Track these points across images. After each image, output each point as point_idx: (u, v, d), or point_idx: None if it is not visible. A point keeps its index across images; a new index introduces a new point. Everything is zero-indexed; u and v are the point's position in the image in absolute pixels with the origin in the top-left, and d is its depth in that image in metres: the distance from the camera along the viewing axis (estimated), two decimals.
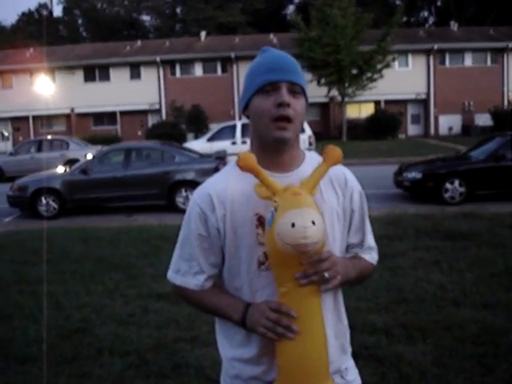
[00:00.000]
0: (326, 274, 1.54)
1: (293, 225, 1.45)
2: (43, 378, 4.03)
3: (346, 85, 32.63)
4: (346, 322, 1.87)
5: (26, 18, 63.71)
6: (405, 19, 38.34)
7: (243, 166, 1.60)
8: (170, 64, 37.64)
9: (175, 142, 18.41)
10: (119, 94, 36.61)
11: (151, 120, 37.41)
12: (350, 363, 1.89)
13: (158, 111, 37.45)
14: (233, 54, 36.66)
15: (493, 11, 50.88)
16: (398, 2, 54.29)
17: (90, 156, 16.35)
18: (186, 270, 1.77)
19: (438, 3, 60.62)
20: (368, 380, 3.44)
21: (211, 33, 45.88)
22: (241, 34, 45.17)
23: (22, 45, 40.38)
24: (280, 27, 47.01)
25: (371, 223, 1.94)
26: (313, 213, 1.49)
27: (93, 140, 27.95)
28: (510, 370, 3.91)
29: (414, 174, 12.53)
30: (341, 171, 1.82)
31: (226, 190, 1.72)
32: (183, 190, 12.77)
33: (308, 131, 20.05)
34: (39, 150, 22.19)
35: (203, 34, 41.80)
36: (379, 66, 32.31)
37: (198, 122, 34.09)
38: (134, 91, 36.78)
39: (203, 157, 13.94)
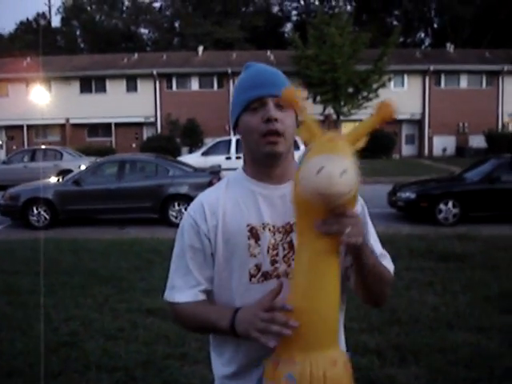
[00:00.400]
0: (347, 229, 1.40)
1: (318, 171, 1.32)
2: None
3: (342, 103, 32.77)
4: (343, 344, 1.81)
5: (24, 27, 63.75)
6: (401, 40, 38.62)
7: (285, 100, 1.50)
8: (166, 77, 37.71)
9: (169, 156, 18.39)
10: (115, 105, 36.58)
11: (146, 133, 37.39)
12: None
13: (154, 124, 37.44)
14: (229, 70, 36.73)
15: (488, 34, 51.36)
16: (395, 23, 54.81)
17: (83, 167, 16.29)
18: (182, 285, 1.72)
19: (435, 25, 61.15)
20: None
21: (209, 48, 46.03)
22: (238, 50, 45.34)
23: (19, 54, 40.31)
24: (277, 44, 47.30)
25: None
26: (345, 162, 1.34)
27: (87, 151, 27.86)
28: None
29: (408, 194, 12.53)
30: None
31: (218, 200, 1.71)
32: (176, 204, 12.72)
33: (303, 148, 20.03)
34: (32, 159, 22.10)
35: (201, 48, 41.93)
36: (375, 86, 32.47)
37: (193, 136, 34.11)
38: (130, 103, 36.79)
39: (197, 171, 13.90)
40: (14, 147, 35.43)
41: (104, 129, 37.80)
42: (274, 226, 1.67)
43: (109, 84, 37.66)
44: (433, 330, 5.15)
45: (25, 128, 37.23)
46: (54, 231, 11.94)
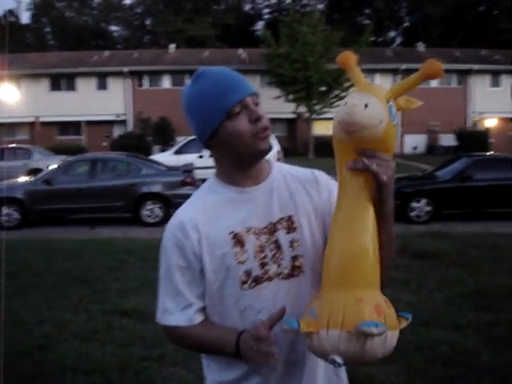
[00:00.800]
0: (374, 165, 1.41)
1: (345, 103, 1.42)
2: None
3: (314, 102, 32.84)
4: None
5: None
6: (372, 39, 38.78)
7: (340, 61, 1.59)
8: (137, 75, 37.44)
9: (141, 154, 18.23)
10: (85, 103, 36.15)
11: (117, 131, 37.02)
12: None
13: (125, 122, 37.15)
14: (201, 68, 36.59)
15: (459, 33, 52.06)
16: (366, 22, 55.17)
17: (53, 166, 16.06)
18: (174, 308, 1.66)
19: (406, 24, 61.73)
20: None
21: (180, 45, 45.83)
22: (210, 48, 45.21)
23: None
24: (249, 42, 47.30)
25: None
26: (373, 99, 1.40)
27: (57, 150, 27.47)
28: None
29: None
30: (309, 172, 1.79)
31: (197, 213, 1.66)
32: (149, 203, 12.61)
33: (277, 146, 20.05)
34: (1, 158, 21.70)
35: (172, 46, 41.73)
36: (347, 84, 32.59)
37: (164, 135, 33.88)
38: (101, 101, 36.41)
39: (170, 170, 13.80)
40: None
41: (74, 127, 37.34)
42: (257, 228, 1.64)
43: (79, 82, 37.25)
44: (410, 328, 5.15)
45: None
46: (25, 231, 11.74)
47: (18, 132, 37.05)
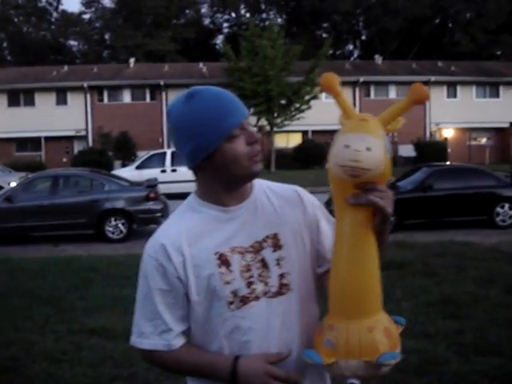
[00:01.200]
0: (376, 199, 1.46)
1: (347, 146, 1.42)
2: None
3: (275, 115, 33.02)
4: None
5: None
6: (331, 52, 39.27)
7: (324, 85, 1.59)
8: (97, 90, 37.12)
9: (103, 170, 18.06)
10: (44, 119, 35.60)
11: (77, 147, 36.58)
12: None
13: (85, 138, 36.72)
14: (162, 82, 36.52)
15: (415, 46, 53.08)
16: (324, 35, 55.81)
17: (13, 183, 15.78)
18: (151, 331, 1.62)
19: (363, 37, 62.68)
20: None
21: (140, 60, 45.63)
22: (170, 62, 45.13)
23: None
24: (209, 56, 47.44)
25: None
26: (372, 140, 1.43)
27: (15, 166, 27.06)
28: None
29: None
30: (291, 189, 1.79)
31: (179, 234, 1.61)
32: (113, 219, 12.48)
33: None
34: None
35: (132, 60, 41.53)
36: (307, 97, 32.87)
37: (125, 150, 33.58)
38: (60, 117, 35.93)
39: (133, 185, 13.69)
40: None
41: (33, 143, 36.74)
42: (242, 247, 1.62)
43: (38, 97, 36.72)
44: None
45: None
46: None
47: None
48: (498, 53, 54.54)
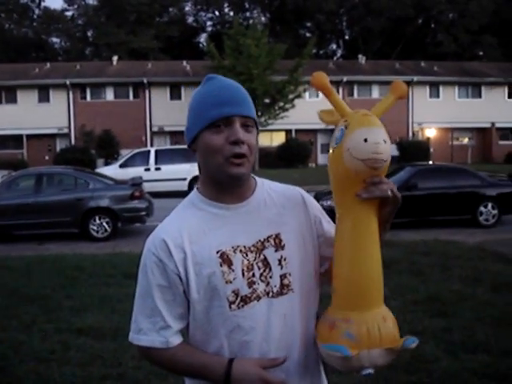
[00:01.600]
0: (389, 191, 1.52)
1: (365, 140, 1.46)
2: None
3: (259, 113, 33.03)
4: None
5: None
6: (314, 51, 39.40)
7: (316, 84, 1.59)
8: (80, 87, 36.88)
9: (87, 168, 17.95)
10: (26, 117, 35.32)
11: (59, 144, 36.37)
12: None
13: (67, 135, 36.49)
14: (145, 80, 36.41)
15: (398, 46, 53.35)
16: (308, 35, 55.96)
17: None
18: (149, 328, 1.61)
19: (346, 37, 62.89)
20: None
21: (123, 58, 45.39)
22: (153, 60, 44.95)
23: None
24: (193, 55, 47.35)
25: None
26: (385, 133, 1.50)
27: None
28: None
29: (331, 203, 12.65)
30: (294, 190, 1.80)
31: (180, 231, 1.60)
32: (97, 218, 12.39)
33: None
34: None
35: (115, 58, 41.32)
36: (291, 96, 32.96)
37: (108, 148, 33.44)
38: (42, 114, 35.68)
39: (118, 183, 13.61)
40: None
41: (15, 141, 36.42)
42: (244, 247, 1.61)
43: (20, 94, 36.41)
44: None
45: None
46: None
47: None
48: (481, 53, 55.05)
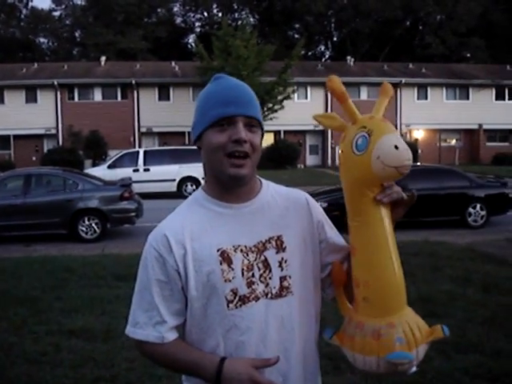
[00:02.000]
0: (402, 193, 1.59)
1: (396, 147, 1.46)
2: None
3: None
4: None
5: None
6: (303, 52, 39.47)
7: (333, 89, 1.58)
8: (68, 88, 36.69)
9: (76, 169, 17.86)
10: (14, 117, 35.03)
11: (47, 145, 36.17)
12: None
13: (55, 136, 36.27)
14: (133, 80, 36.30)
15: (386, 48, 53.55)
16: (296, 36, 56.06)
17: None
18: (146, 322, 1.61)
19: (335, 38, 63.05)
20: None
21: (111, 58, 45.22)
22: (142, 61, 44.82)
23: None
24: (181, 55, 47.31)
25: None
26: (401, 137, 1.52)
27: None
28: None
29: (320, 203, 12.64)
30: (299, 193, 1.80)
31: (182, 228, 1.61)
32: (86, 219, 12.32)
33: None
34: None
35: (103, 58, 41.13)
36: (280, 97, 33.01)
37: (96, 148, 33.29)
38: (30, 115, 35.41)
39: (107, 184, 13.55)
40: None
41: (2, 141, 36.09)
42: (245, 247, 1.62)
43: (7, 95, 36.14)
44: None
45: None
46: None
47: None
48: (468, 55, 55.39)
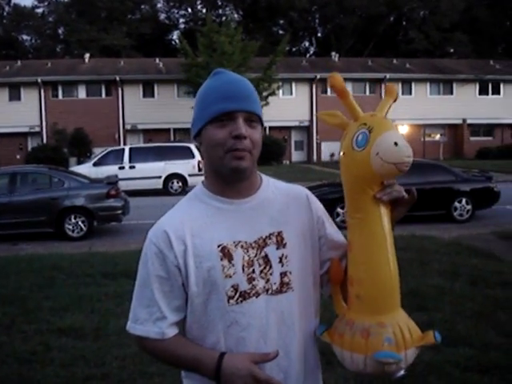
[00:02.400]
0: (403, 191, 1.58)
1: (396, 144, 1.46)
2: None
3: None
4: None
5: None
6: (287, 48, 39.50)
7: (334, 86, 1.57)
8: (52, 85, 36.44)
9: (61, 167, 17.75)
10: None
11: (31, 143, 35.89)
12: None
13: (39, 134, 36.00)
14: (118, 77, 36.11)
15: (370, 43, 53.70)
16: (281, 32, 56.04)
17: None
18: (146, 318, 1.61)
19: (319, 34, 63.09)
20: None
21: (94, 55, 44.93)
22: (126, 58, 44.60)
23: None
24: (165, 52, 47.10)
25: None
26: (401, 134, 1.52)
27: None
28: None
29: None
30: (299, 189, 1.80)
31: (183, 223, 1.61)
32: (73, 217, 12.25)
33: (198, 156, 20.04)
34: None
35: (87, 55, 40.87)
36: (265, 94, 32.98)
37: (81, 146, 33.09)
38: (13, 113, 35.08)
39: (93, 182, 13.49)
40: None
41: None
42: (246, 242, 1.61)
43: None
44: None
45: None
46: None
47: None
48: (452, 50, 55.72)
